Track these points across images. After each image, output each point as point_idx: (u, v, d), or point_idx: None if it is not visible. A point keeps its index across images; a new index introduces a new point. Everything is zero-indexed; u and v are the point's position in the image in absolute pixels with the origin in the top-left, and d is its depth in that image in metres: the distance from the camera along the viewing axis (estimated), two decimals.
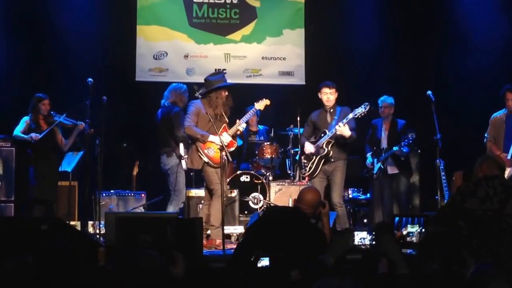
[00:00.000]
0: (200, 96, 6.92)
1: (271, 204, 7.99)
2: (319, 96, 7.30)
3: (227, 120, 6.99)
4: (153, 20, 9.73)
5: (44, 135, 7.51)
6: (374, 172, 7.83)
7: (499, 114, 7.24)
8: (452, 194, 5.25)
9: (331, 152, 7.17)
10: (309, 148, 7.30)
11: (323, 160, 7.21)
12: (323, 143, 7.16)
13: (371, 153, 7.91)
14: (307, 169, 7.34)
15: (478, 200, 4.61)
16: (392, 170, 7.77)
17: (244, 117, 7.04)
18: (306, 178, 7.64)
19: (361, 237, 5.50)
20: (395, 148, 7.58)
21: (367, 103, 7.07)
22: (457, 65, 9.46)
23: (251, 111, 7.13)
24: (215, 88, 6.86)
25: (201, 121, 6.85)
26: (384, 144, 7.81)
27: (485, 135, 7.27)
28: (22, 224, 5.62)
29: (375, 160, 7.82)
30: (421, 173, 8.15)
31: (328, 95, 7.23)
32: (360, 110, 7.04)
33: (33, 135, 7.49)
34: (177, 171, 7.58)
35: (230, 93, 7.00)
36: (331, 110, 7.26)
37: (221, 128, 6.86)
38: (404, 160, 7.75)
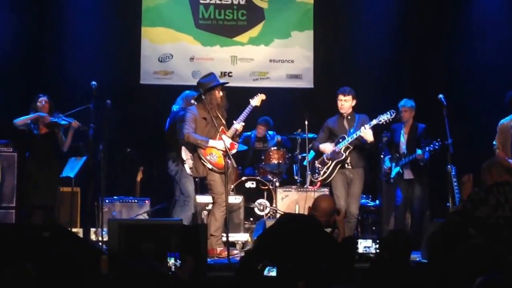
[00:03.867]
0: (195, 102, 6.98)
1: (277, 211, 8.02)
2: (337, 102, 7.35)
3: (224, 122, 7.00)
4: (158, 22, 9.80)
5: (40, 137, 7.56)
6: (392, 176, 7.83)
7: (506, 120, 7.22)
8: (462, 200, 5.28)
9: (349, 158, 7.20)
10: (328, 147, 7.30)
11: (339, 166, 7.24)
12: (342, 148, 7.18)
13: (389, 157, 7.92)
14: (321, 173, 7.36)
15: (490, 208, 4.65)
16: (408, 175, 7.78)
17: (241, 116, 7.02)
18: (318, 184, 7.65)
19: (366, 246, 5.50)
20: (419, 152, 7.54)
21: (393, 111, 7.08)
22: (470, 67, 9.48)
23: (247, 108, 7.08)
24: (208, 89, 6.88)
25: (198, 126, 6.87)
26: (403, 148, 7.82)
27: (494, 142, 7.28)
28: (23, 231, 5.67)
29: (393, 164, 7.83)
30: (431, 180, 8.15)
31: (342, 102, 7.26)
32: (386, 117, 7.04)
33: (41, 114, 7.54)
34: (182, 177, 7.62)
35: (224, 94, 7.00)
36: (349, 117, 7.29)
37: (219, 131, 6.88)
38: (419, 166, 7.73)
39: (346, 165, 7.23)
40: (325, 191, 7.89)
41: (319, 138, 7.52)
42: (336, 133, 7.32)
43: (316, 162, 7.44)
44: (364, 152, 7.32)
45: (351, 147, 7.19)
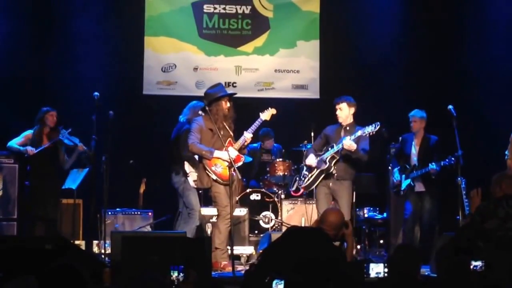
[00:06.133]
0: (202, 113, 7.01)
1: (283, 223, 8.03)
2: None
3: (232, 134, 7.03)
4: (162, 31, 9.85)
5: (41, 151, 7.61)
6: (402, 188, 7.80)
7: None
8: (470, 214, 5.31)
9: (333, 169, 7.12)
10: (310, 160, 7.28)
11: (323, 175, 7.19)
12: (327, 157, 7.15)
13: (398, 168, 7.90)
14: (305, 180, 7.34)
15: (499, 221, 4.68)
16: (419, 187, 7.76)
17: (250, 128, 7.04)
18: (302, 190, 7.62)
19: (377, 272, 5.30)
20: (433, 166, 7.50)
21: (378, 123, 6.97)
22: (482, 76, 9.48)
23: (256, 121, 7.10)
24: (215, 99, 6.92)
25: (204, 137, 6.91)
26: (414, 160, 7.81)
27: (506, 152, 7.28)
28: (25, 243, 5.69)
29: (403, 176, 7.81)
30: (441, 192, 8.15)
31: (337, 111, 7.26)
32: (370, 129, 6.96)
33: (28, 148, 7.60)
34: (186, 189, 7.65)
35: (232, 105, 7.04)
36: (348, 128, 7.24)
37: (226, 143, 6.89)
38: (430, 179, 7.71)
39: (331, 176, 7.17)
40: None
41: (315, 144, 7.52)
42: (330, 141, 7.28)
43: (305, 168, 7.43)
44: (354, 164, 7.23)
45: (337, 157, 7.12)
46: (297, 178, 7.80)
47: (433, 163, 7.50)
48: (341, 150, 7.06)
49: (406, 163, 7.85)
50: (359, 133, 7.01)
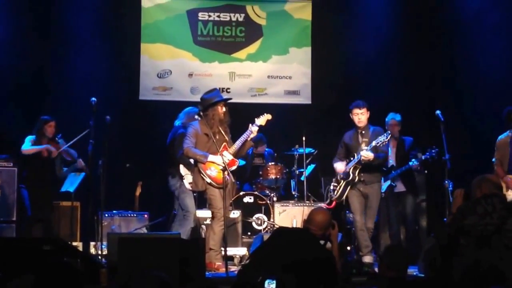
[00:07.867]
0: (198, 118, 7.05)
1: (275, 225, 8.09)
2: (351, 117, 7.30)
3: (227, 139, 7.08)
4: (158, 38, 9.91)
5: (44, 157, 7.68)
6: (383, 190, 7.83)
7: (504, 136, 7.29)
8: (451, 213, 5.39)
9: (357, 178, 7.18)
10: (340, 166, 7.37)
11: (349, 186, 7.25)
12: (350, 168, 7.21)
13: None
14: (335, 192, 7.40)
15: (477, 217, 4.78)
16: (399, 187, 7.84)
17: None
18: (334, 202, 7.63)
19: None
20: (412, 163, 7.59)
21: (389, 132, 7.13)
22: (471, 82, 9.54)
23: (253, 126, 7.14)
24: (211, 104, 6.96)
25: (199, 142, 6.96)
26: (390, 162, 7.88)
27: (493, 160, 7.34)
28: (24, 244, 5.72)
29: (382, 178, 7.86)
30: (429, 194, 8.21)
31: (359, 116, 7.23)
32: (383, 139, 7.04)
33: (51, 147, 7.67)
34: (181, 192, 7.70)
35: (227, 110, 7.08)
36: (363, 132, 7.27)
37: (221, 147, 6.95)
38: (410, 178, 7.80)
39: (359, 183, 7.20)
40: (323, 206, 7.92)
41: (338, 153, 7.52)
42: (350, 148, 7.32)
43: (333, 181, 7.49)
44: (378, 167, 7.31)
45: (359, 167, 7.17)
46: (328, 191, 7.80)
47: (413, 160, 7.63)
48: (361, 160, 7.10)
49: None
50: (373, 143, 7.06)
